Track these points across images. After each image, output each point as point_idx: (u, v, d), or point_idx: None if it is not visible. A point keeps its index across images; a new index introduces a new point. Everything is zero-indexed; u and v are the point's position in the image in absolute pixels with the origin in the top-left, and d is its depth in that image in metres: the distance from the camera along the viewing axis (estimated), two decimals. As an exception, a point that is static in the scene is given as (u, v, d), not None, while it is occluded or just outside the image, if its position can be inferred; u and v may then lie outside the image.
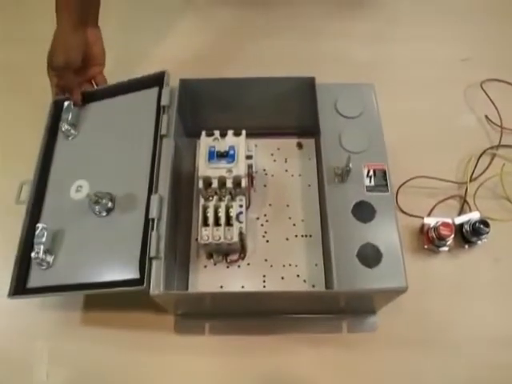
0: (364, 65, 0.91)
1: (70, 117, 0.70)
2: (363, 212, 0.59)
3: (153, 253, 0.56)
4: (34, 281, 0.61)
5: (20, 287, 0.60)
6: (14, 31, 0.99)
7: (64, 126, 0.69)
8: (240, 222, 0.64)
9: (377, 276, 0.55)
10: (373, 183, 0.61)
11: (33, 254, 0.60)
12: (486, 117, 0.85)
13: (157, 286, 0.55)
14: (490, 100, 0.85)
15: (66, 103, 0.71)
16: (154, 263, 0.56)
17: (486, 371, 0.66)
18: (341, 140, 0.64)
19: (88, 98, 0.72)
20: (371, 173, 0.62)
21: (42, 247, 0.60)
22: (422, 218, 0.74)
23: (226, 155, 0.63)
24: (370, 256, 0.56)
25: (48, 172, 0.68)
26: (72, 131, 0.70)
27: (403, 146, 0.73)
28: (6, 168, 0.81)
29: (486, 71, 0.89)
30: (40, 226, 0.61)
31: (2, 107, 0.89)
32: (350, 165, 0.59)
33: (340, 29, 0.98)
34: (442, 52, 0.94)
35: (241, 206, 0.65)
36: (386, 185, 0.61)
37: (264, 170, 0.75)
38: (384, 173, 0.62)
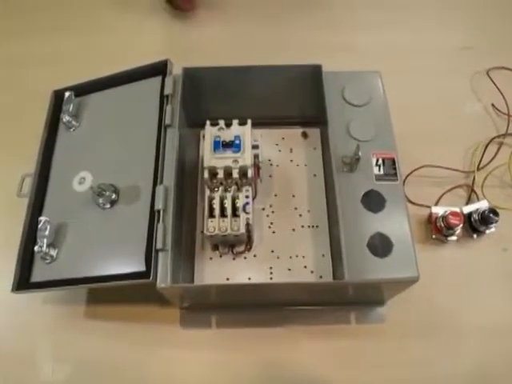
0: (368, 55, 0.89)
1: (71, 108, 0.68)
2: (373, 201, 0.58)
3: (159, 245, 0.55)
4: (37, 275, 0.60)
5: (23, 282, 0.59)
6: (11, 25, 0.97)
7: (65, 117, 0.68)
8: (247, 213, 0.62)
9: (387, 266, 0.54)
10: (382, 172, 0.60)
11: (36, 248, 0.58)
12: (493, 105, 0.84)
13: (164, 278, 0.54)
14: (497, 88, 0.84)
15: (66, 94, 0.69)
16: (161, 255, 0.55)
17: (494, 361, 0.66)
18: (349, 128, 0.63)
19: (89, 89, 0.71)
20: (380, 161, 0.60)
21: (45, 241, 0.58)
22: (430, 207, 0.73)
23: (232, 145, 0.62)
24: (381, 246, 0.55)
25: (50, 164, 0.67)
26: (73, 122, 0.68)
27: (409, 136, 0.71)
28: (7, 161, 0.79)
29: (491, 59, 0.88)
30: (43, 219, 0.60)
31: (2, 99, 0.87)
32: (360, 153, 0.58)
33: (341, 18, 0.97)
34: (446, 40, 0.93)
35: (247, 196, 0.63)
36: (396, 173, 0.60)
37: (269, 160, 0.73)
38: (393, 161, 0.60)
